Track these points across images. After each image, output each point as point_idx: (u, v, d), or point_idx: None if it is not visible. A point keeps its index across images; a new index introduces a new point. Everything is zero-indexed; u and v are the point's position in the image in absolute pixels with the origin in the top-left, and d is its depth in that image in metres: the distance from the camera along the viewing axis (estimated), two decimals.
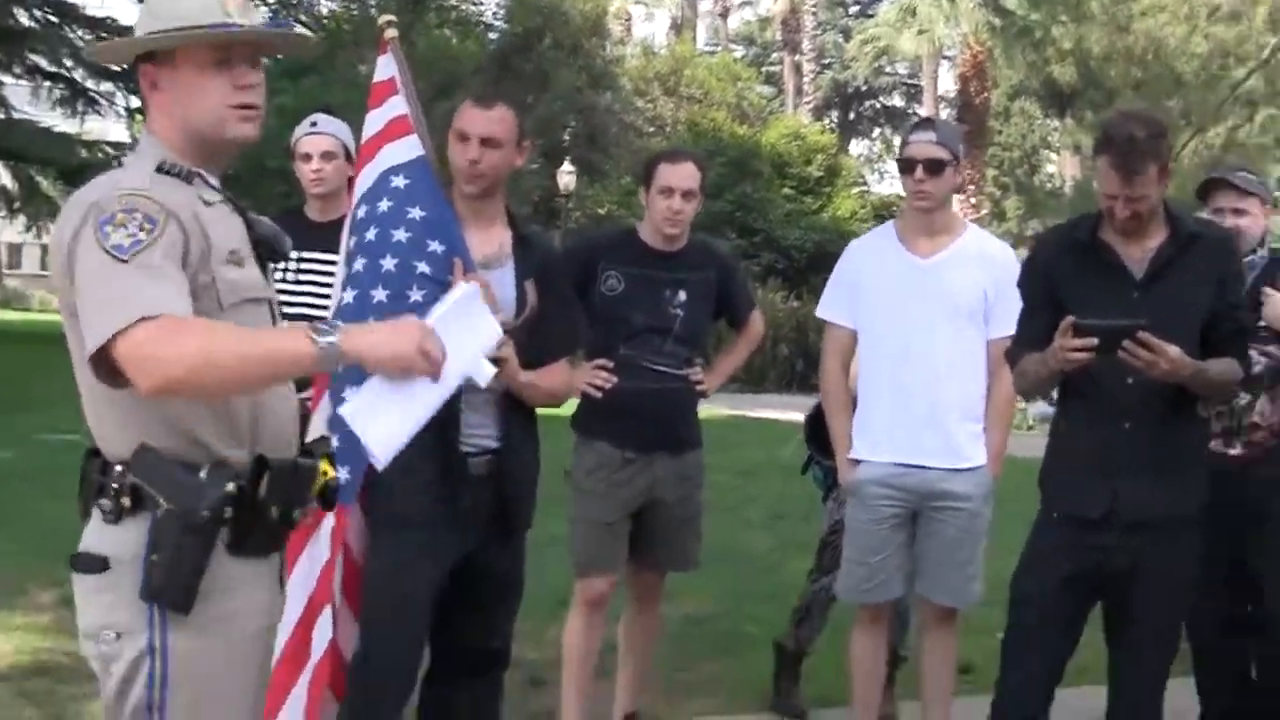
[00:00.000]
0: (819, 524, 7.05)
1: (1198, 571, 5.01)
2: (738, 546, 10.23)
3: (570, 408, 6.00)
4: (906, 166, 5.78)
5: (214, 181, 3.30)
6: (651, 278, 6.02)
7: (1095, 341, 4.57)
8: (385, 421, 3.30)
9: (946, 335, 5.74)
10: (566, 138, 39.13)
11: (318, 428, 4.68)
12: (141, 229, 2.95)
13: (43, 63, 34.87)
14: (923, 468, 5.72)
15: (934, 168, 5.72)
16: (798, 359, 31.50)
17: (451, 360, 3.26)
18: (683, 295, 6.03)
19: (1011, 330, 5.45)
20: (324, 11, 39.23)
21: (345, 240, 4.97)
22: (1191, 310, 4.81)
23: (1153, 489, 4.81)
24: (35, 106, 35.82)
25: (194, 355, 2.86)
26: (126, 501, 3.08)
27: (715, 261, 6.38)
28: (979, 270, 5.79)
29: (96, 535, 3.13)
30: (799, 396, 26.86)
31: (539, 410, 5.08)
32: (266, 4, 40.99)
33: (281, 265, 5.82)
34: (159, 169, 3.16)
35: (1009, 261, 5.90)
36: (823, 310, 6.13)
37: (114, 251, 2.92)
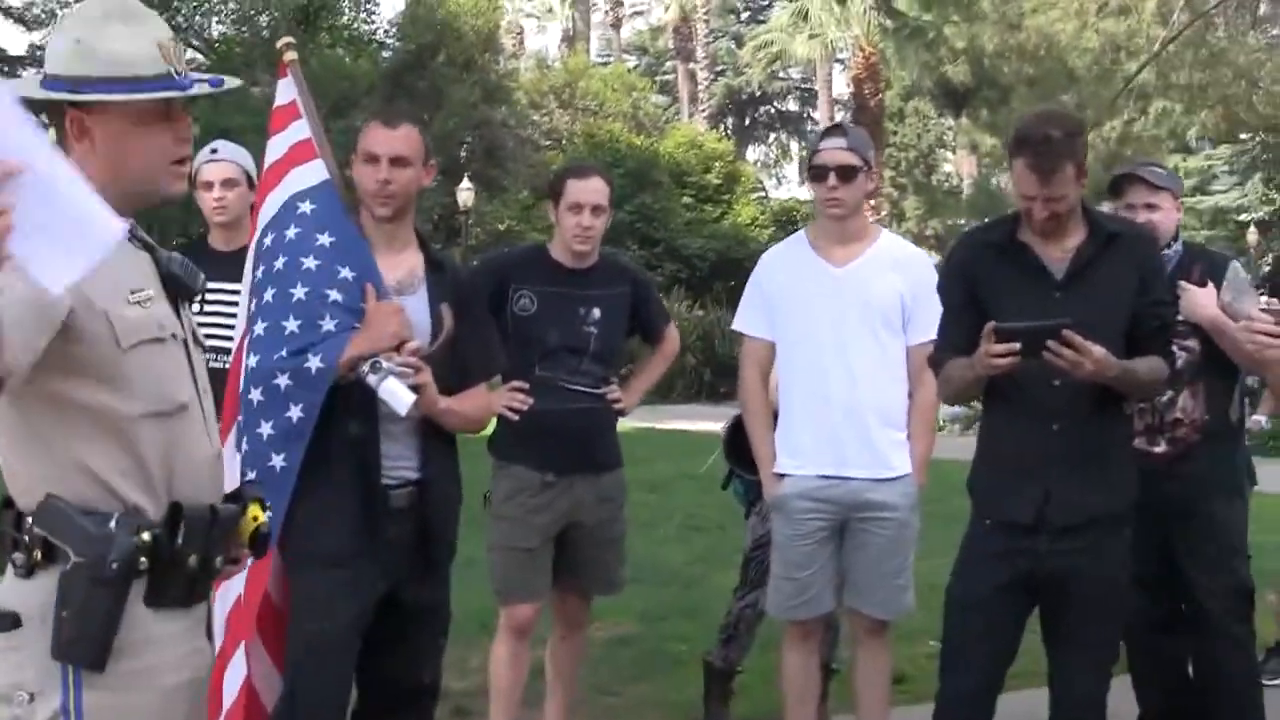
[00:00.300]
0: (736, 537, 6.99)
1: (1130, 571, 4.98)
2: (656, 563, 10.13)
3: (488, 431, 5.87)
4: (818, 174, 5.70)
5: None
6: (564, 296, 5.94)
7: (1018, 345, 4.53)
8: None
9: (864, 343, 5.67)
10: (464, 154, 38.91)
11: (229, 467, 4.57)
12: None
13: None
14: (847, 479, 5.64)
15: (846, 174, 5.64)
16: (704, 369, 31.49)
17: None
18: (597, 313, 5.95)
19: (932, 336, 5.42)
20: (214, 35, 38.80)
21: (251, 270, 4.83)
22: (1114, 309, 4.78)
23: (1083, 490, 4.78)
24: None
25: None
26: (38, 555, 2.93)
27: (628, 277, 6.30)
28: (895, 276, 5.73)
29: (7, 591, 2.98)
30: (707, 406, 26.90)
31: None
32: None
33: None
34: None
35: (925, 266, 5.87)
36: (739, 323, 6.05)
37: None
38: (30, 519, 2.94)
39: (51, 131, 3.14)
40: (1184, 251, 5.89)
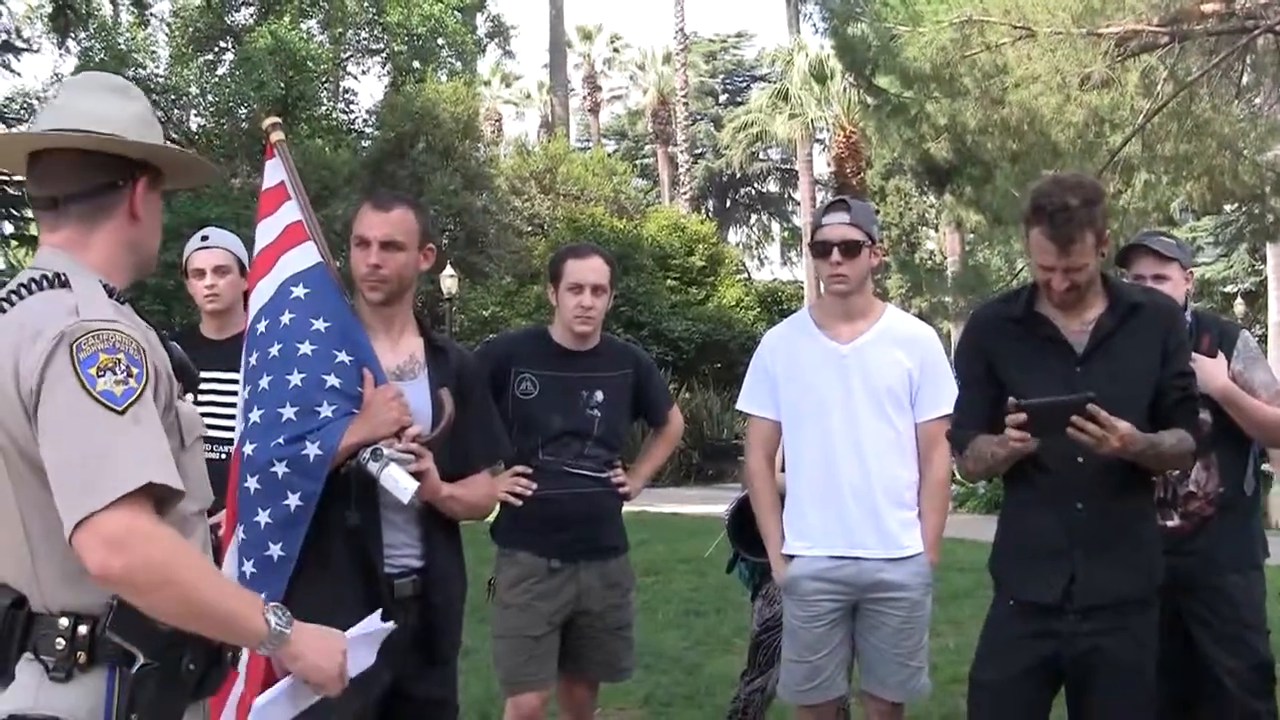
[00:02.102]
0: (735, 620, 6.85)
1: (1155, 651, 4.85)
2: (657, 648, 9.98)
3: (491, 517, 5.75)
4: (821, 250, 5.61)
5: None
6: (566, 379, 5.86)
7: (1031, 419, 4.42)
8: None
9: (872, 421, 5.57)
10: (446, 241, 38.98)
11: (229, 560, 4.46)
12: (129, 374, 2.77)
13: None
14: (858, 559, 5.53)
15: (850, 250, 5.56)
16: (693, 451, 31.40)
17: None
18: (600, 395, 5.88)
19: (940, 411, 5.39)
20: (194, 127, 38.93)
21: (244, 356, 4.70)
22: (1137, 382, 4.68)
23: (1110, 570, 4.67)
24: None
25: (163, 571, 2.72)
26: (82, 656, 2.83)
27: (631, 358, 6.22)
28: (901, 352, 5.63)
29: (34, 695, 2.84)
30: (697, 489, 26.80)
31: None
32: None
33: None
34: (107, 293, 2.97)
35: (931, 341, 5.77)
36: (743, 403, 5.95)
37: (105, 400, 2.72)
38: (67, 620, 2.84)
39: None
40: (1193, 321, 5.79)
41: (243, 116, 37.63)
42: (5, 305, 2.94)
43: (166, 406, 2.92)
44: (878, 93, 21.10)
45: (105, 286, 2.99)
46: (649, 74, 67.55)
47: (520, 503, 5.76)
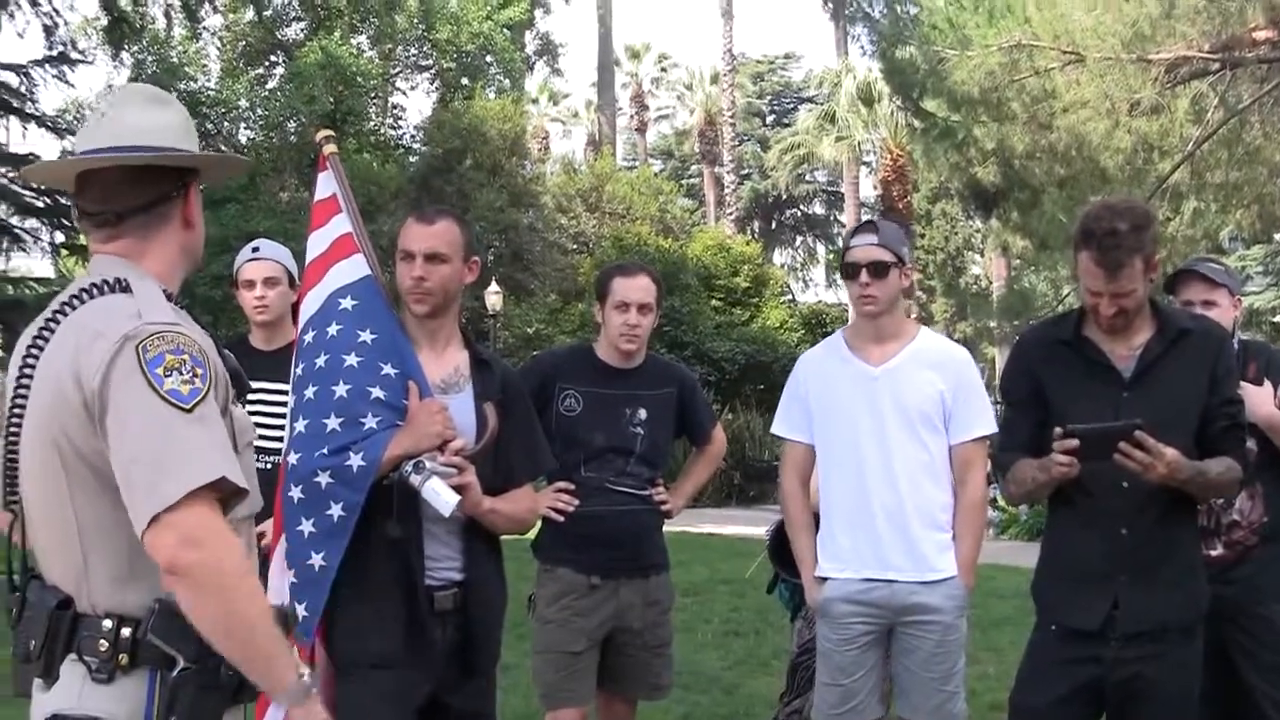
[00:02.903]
0: (774, 641, 6.83)
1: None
2: (695, 668, 9.97)
3: (531, 532, 5.75)
4: (850, 271, 5.56)
5: None
6: (610, 396, 5.86)
7: (1087, 447, 4.39)
8: None
9: (905, 444, 5.52)
10: (491, 258, 39.05)
11: (276, 569, 4.48)
12: (194, 374, 2.82)
13: None
14: (891, 582, 5.48)
15: (878, 271, 5.50)
16: (735, 472, 31.28)
17: None
18: (643, 413, 5.88)
19: (975, 434, 5.38)
20: (243, 140, 39.14)
21: (294, 368, 4.73)
22: (1184, 409, 4.65)
23: (1154, 596, 4.63)
24: None
25: (226, 577, 2.76)
26: (124, 659, 2.87)
27: (675, 377, 6.23)
28: (934, 374, 5.58)
29: (77, 695, 2.88)
30: (739, 510, 26.73)
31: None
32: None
33: None
34: (166, 298, 3.02)
35: (965, 362, 5.72)
36: (777, 427, 5.91)
37: (173, 399, 2.78)
38: (110, 621, 2.88)
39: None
40: (1241, 348, 5.75)
41: (292, 130, 37.83)
42: (67, 309, 2.99)
43: (223, 410, 2.95)
44: (925, 116, 21.06)
45: (165, 292, 3.03)
46: (696, 94, 67.53)
47: (562, 518, 5.76)
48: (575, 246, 42.92)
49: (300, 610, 4.32)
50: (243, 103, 39.29)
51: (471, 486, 4.48)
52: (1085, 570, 4.74)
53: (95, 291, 2.99)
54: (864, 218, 52.64)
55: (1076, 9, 17.08)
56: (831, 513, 5.67)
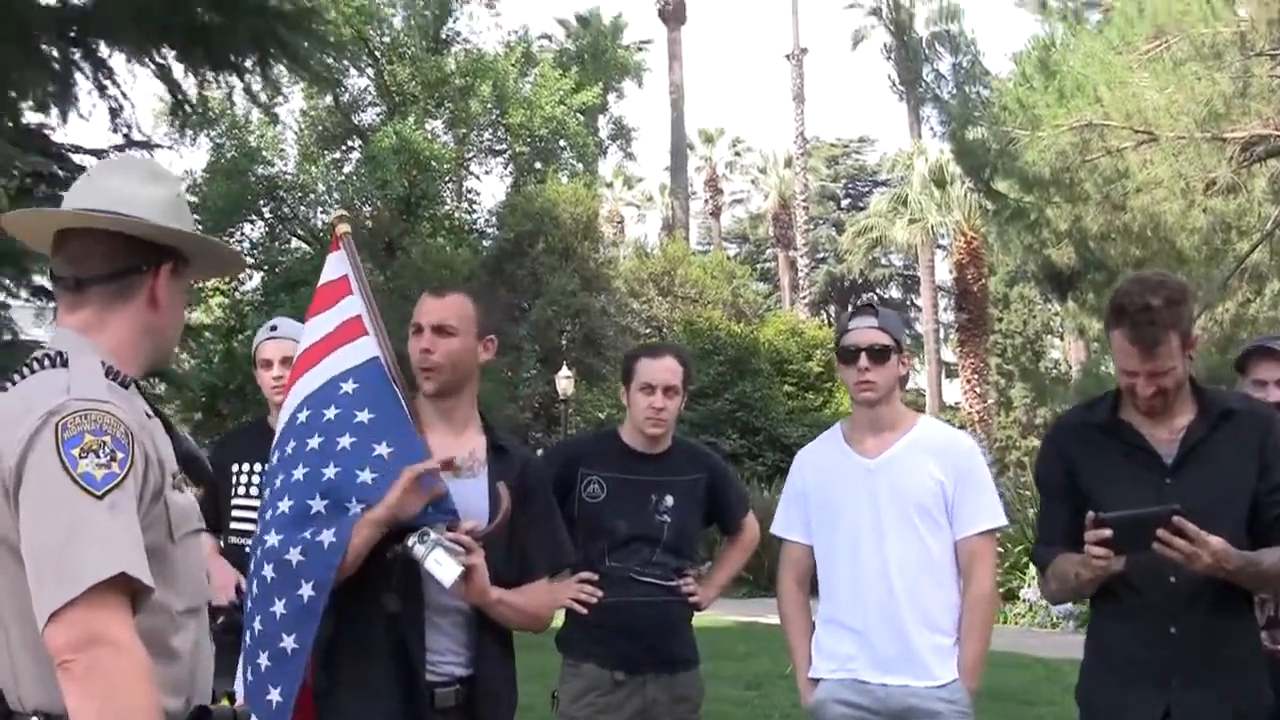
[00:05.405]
0: None
1: None
2: None
3: (556, 624, 5.53)
4: (848, 355, 5.31)
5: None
6: (635, 482, 5.66)
7: (1113, 534, 4.13)
8: None
9: (901, 539, 5.22)
10: (563, 342, 39.13)
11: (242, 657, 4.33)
12: (113, 458, 2.66)
13: (47, 283, 34.88)
14: (885, 685, 5.18)
15: (878, 355, 5.26)
16: None
17: None
18: (670, 500, 5.67)
19: (981, 527, 5.16)
20: (319, 225, 39.55)
21: (278, 445, 4.52)
22: (1232, 495, 4.34)
23: (1210, 702, 4.31)
24: (40, 328, 35.72)
25: (108, 681, 2.57)
26: None
27: (704, 463, 5.99)
28: (934, 464, 5.28)
29: None
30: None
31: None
32: (264, 219, 41.58)
33: (245, 474, 5.71)
34: (106, 373, 2.86)
35: (968, 451, 5.43)
36: (776, 527, 5.63)
37: (85, 483, 2.62)
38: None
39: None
40: None
41: (367, 214, 38.16)
42: (7, 385, 2.87)
43: (155, 495, 2.79)
44: (997, 197, 20.91)
45: (108, 368, 2.87)
46: (770, 177, 67.77)
47: (585, 610, 5.54)
48: (648, 331, 42.97)
49: (275, 695, 4.09)
50: (319, 186, 39.80)
51: (478, 569, 4.23)
52: (1133, 673, 4.43)
53: (36, 366, 2.86)
54: (940, 301, 52.66)
55: (1148, 88, 16.86)
56: (826, 611, 5.42)
